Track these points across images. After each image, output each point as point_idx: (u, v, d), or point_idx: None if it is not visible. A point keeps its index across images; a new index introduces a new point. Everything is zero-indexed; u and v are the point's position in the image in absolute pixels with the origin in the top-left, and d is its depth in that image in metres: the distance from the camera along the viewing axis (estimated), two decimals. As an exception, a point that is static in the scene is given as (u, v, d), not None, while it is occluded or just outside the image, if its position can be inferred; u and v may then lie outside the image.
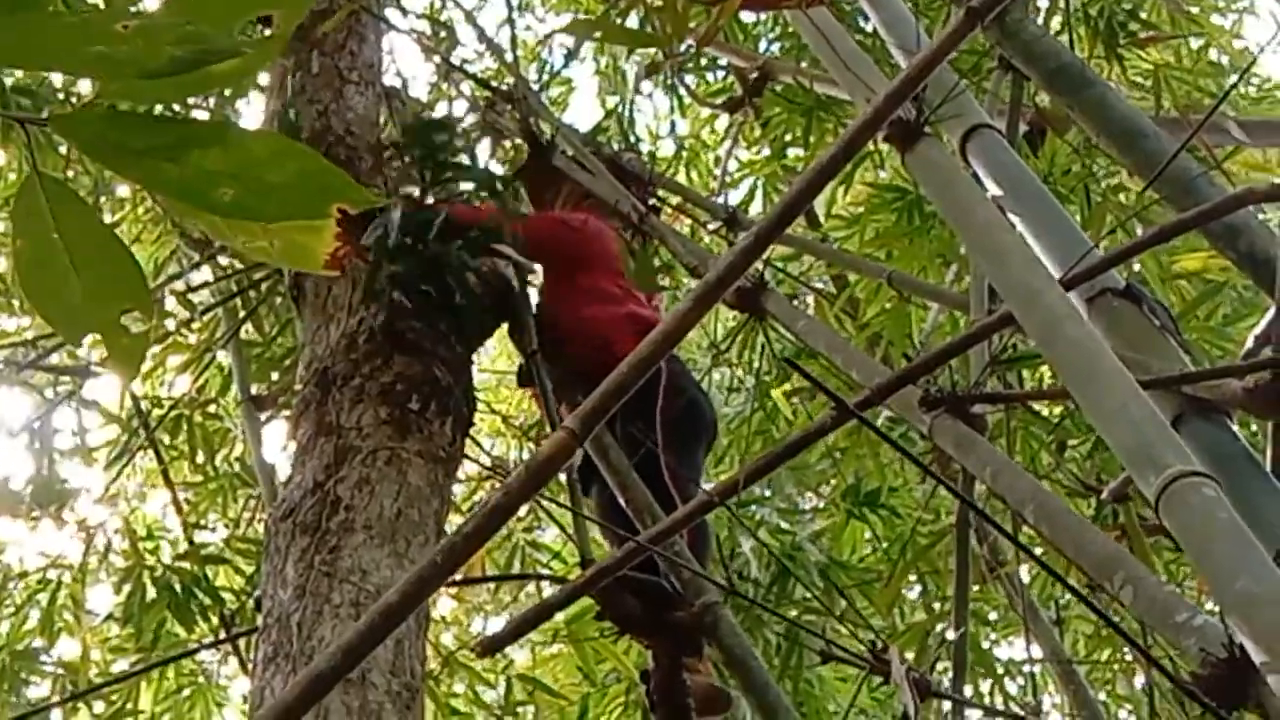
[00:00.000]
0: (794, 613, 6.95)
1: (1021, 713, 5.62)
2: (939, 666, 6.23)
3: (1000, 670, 6.98)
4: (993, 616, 7.78)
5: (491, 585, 8.04)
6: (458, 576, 6.57)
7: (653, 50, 7.15)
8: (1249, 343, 3.22)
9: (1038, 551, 4.42)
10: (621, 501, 4.61)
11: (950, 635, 5.32)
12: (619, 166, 5.38)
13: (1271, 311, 3.09)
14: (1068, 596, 6.70)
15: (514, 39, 6.59)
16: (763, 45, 8.00)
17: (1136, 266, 5.64)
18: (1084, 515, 6.32)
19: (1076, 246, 3.29)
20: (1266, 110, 7.32)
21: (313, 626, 3.94)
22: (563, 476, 4.87)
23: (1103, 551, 2.54)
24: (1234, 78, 6.37)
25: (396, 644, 3.98)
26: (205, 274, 6.99)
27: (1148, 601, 2.36)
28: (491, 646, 2.77)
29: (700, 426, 5.01)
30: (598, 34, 6.28)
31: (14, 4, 1.45)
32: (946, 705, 5.75)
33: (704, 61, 8.26)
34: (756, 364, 6.89)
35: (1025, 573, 6.44)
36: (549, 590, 7.55)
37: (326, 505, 4.27)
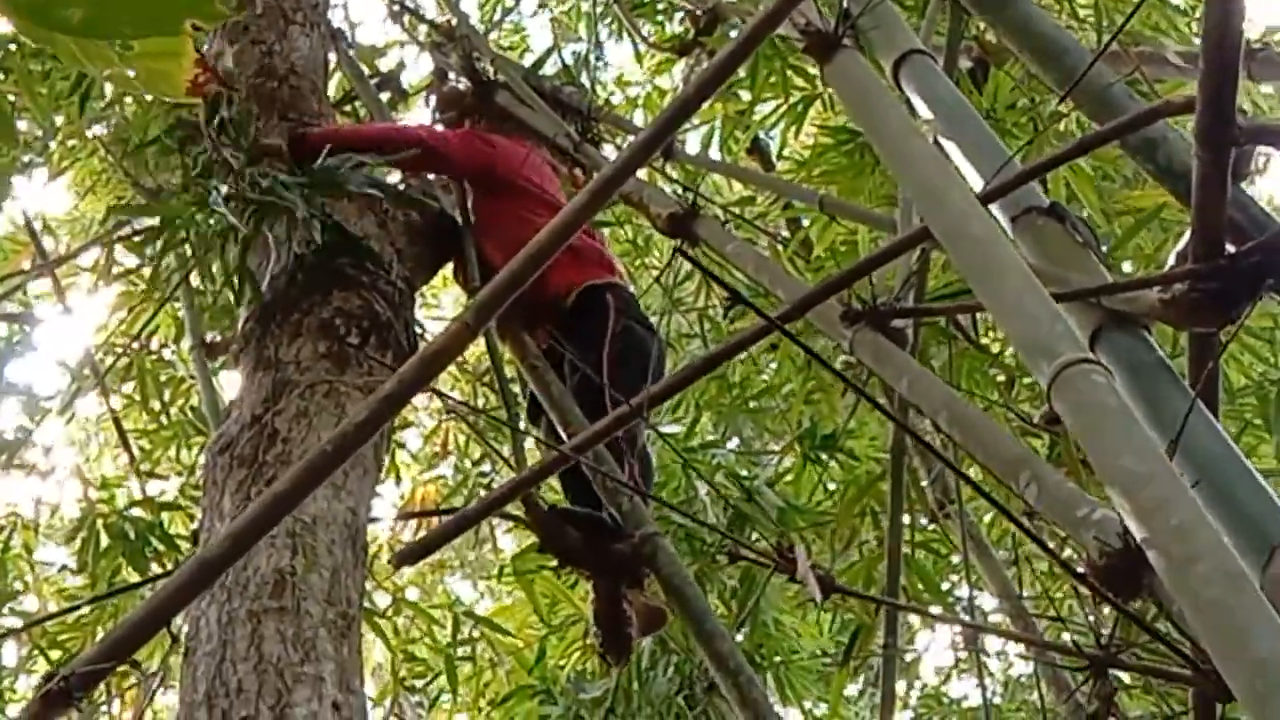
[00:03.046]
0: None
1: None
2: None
3: (952, 603, 6.99)
4: (956, 559, 7.77)
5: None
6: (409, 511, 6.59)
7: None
8: (1171, 259, 3.23)
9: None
10: (562, 433, 4.63)
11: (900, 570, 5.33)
12: (559, 100, 5.38)
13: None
14: (1020, 535, 6.72)
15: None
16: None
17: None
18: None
19: (1009, 171, 3.30)
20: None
21: (248, 557, 3.93)
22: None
23: (1011, 453, 2.56)
24: (1171, 8, 6.36)
25: (333, 574, 3.99)
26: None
27: (1051, 498, 2.38)
28: (407, 558, 2.78)
29: (645, 356, 5.00)
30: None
31: None
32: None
33: (661, 6, 8.26)
34: (708, 306, 6.91)
35: (974, 511, 6.46)
36: (503, 532, 7.59)
37: (264, 438, 4.28)
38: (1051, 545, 6.02)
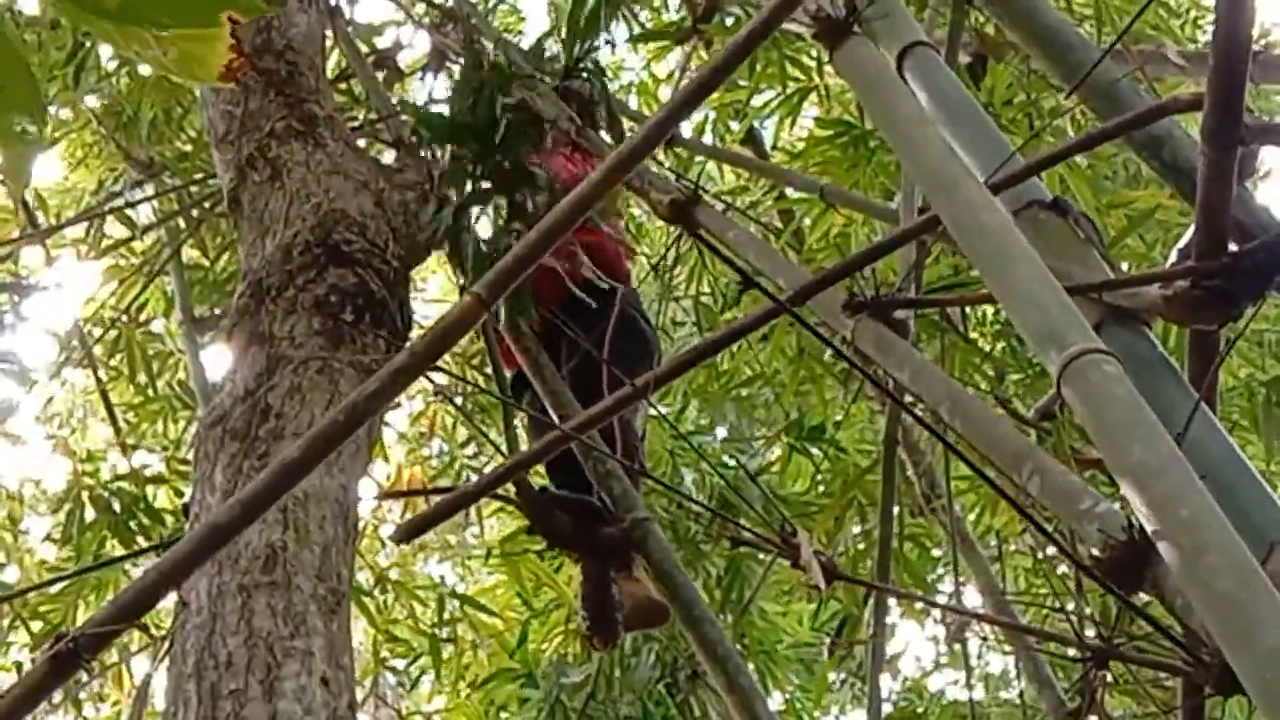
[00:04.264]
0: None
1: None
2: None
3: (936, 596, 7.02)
4: (938, 553, 7.79)
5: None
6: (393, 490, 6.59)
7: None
8: (1172, 256, 3.24)
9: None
10: (554, 416, 4.63)
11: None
12: (560, 84, 5.35)
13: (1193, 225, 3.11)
14: (1005, 531, 6.75)
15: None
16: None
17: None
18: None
19: (1012, 165, 3.30)
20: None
21: (240, 531, 3.92)
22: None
23: (1014, 445, 2.56)
24: (1167, 10, 6.38)
25: (323, 550, 3.97)
26: (148, 193, 6.97)
27: (1053, 490, 2.38)
28: (409, 532, 2.78)
29: (649, 347, 5.01)
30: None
31: None
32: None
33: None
34: (700, 294, 6.93)
35: (960, 506, 6.48)
36: (487, 515, 7.59)
37: (257, 413, 4.26)
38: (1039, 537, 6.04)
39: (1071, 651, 2.64)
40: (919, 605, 6.58)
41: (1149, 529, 1.90)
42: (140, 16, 1.56)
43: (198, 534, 1.77)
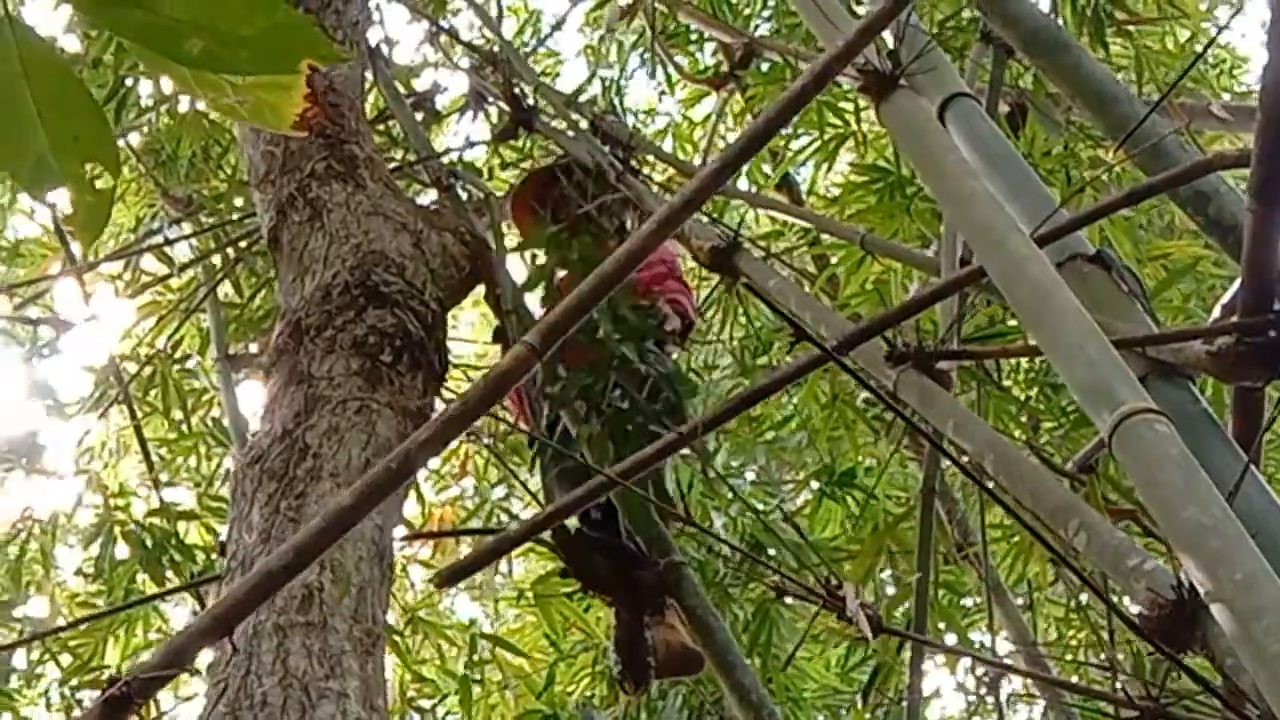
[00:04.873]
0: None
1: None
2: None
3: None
4: (968, 603, 7.75)
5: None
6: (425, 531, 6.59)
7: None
8: (1216, 312, 3.23)
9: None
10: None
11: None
12: (599, 129, 5.39)
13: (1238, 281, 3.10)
14: (1038, 580, 6.71)
15: (500, 3, 6.60)
16: (758, 28, 8.01)
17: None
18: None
19: (1056, 218, 3.30)
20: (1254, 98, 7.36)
21: (276, 571, 3.92)
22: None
23: (1059, 499, 2.56)
24: (1203, 62, 6.38)
25: (359, 592, 3.98)
26: (186, 230, 7.02)
27: (1100, 547, 2.38)
28: (450, 577, 2.79)
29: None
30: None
31: None
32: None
33: (693, 38, 8.29)
34: (736, 339, 6.93)
35: (993, 555, 6.44)
36: (515, 555, 7.58)
37: (295, 452, 4.27)
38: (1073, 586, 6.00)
39: (1107, 706, 2.63)
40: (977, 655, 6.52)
41: (1201, 590, 1.89)
42: (221, 64, 1.57)
43: (250, 579, 1.78)
